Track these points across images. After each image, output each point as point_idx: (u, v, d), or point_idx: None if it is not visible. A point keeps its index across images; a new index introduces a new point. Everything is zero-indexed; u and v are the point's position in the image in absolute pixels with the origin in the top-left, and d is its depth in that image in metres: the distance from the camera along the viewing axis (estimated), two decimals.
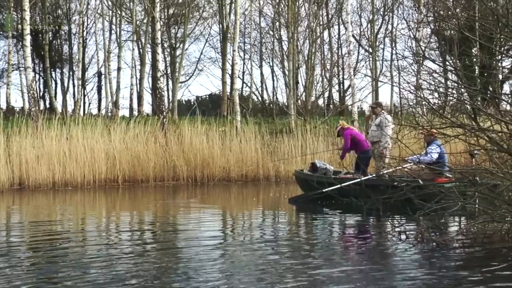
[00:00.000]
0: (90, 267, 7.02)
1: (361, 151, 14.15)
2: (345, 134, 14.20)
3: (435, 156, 11.73)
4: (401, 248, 7.95)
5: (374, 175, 12.87)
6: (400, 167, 12.09)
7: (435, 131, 9.93)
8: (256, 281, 6.27)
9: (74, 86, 36.94)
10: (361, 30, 37.33)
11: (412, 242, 8.21)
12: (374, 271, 6.69)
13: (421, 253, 7.74)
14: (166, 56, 37.31)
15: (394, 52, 33.56)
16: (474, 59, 15.41)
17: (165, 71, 35.85)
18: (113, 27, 34.57)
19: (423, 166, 11.20)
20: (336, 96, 38.85)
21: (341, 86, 38.29)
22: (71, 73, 37.45)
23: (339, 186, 12.49)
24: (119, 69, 31.82)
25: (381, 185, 11.15)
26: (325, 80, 35.68)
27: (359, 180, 12.39)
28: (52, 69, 36.28)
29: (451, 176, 11.11)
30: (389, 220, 9.62)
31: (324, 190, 12.54)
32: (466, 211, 8.80)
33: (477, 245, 7.89)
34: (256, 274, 6.58)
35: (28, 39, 21.19)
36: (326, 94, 36.69)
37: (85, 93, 37.90)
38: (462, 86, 9.32)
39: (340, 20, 36.92)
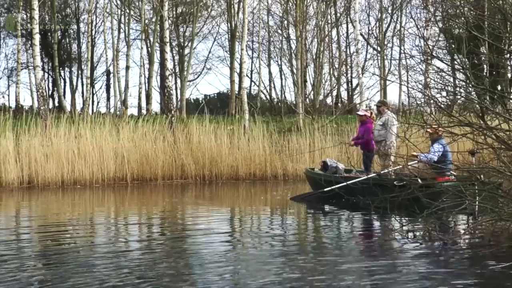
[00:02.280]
0: (96, 262, 7.06)
1: (368, 150, 14.21)
2: (369, 127, 14.18)
3: (437, 155, 11.66)
4: (409, 247, 7.96)
5: (375, 173, 12.94)
6: (401, 166, 12.13)
7: (440, 129, 9.96)
8: (264, 278, 6.30)
9: (82, 84, 37.05)
10: (370, 28, 37.38)
11: (419, 240, 8.22)
12: (381, 270, 6.71)
13: (428, 252, 7.75)
14: (174, 54, 37.42)
15: (402, 50, 33.54)
16: (483, 58, 15.39)
17: (173, 70, 35.93)
18: (122, 26, 34.66)
19: (427, 164, 11.23)
20: (344, 94, 38.90)
21: (349, 85, 38.32)
22: (79, 71, 37.61)
23: (344, 184, 12.50)
24: (127, 68, 31.90)
25: (383, 183, 11.19)
26: (333, 78, 35.76)
27: (361, 178, 12.45)
28: (61, 68, 36.42)
29: (455, 174, 11.14)
30: (397, 219, 9.62)
31: (325, 190, 12.79)
32: (474, 210, 8.81)
33: (485, 243, 7.89)
34: (264, 271, 6.60)
35: (37, 38, 21.28)
36: (334, 93, 36.73)
37: (94, 92, 38.04)
38: (470, 85, 9.32)
39: (349, 19, 36.93)
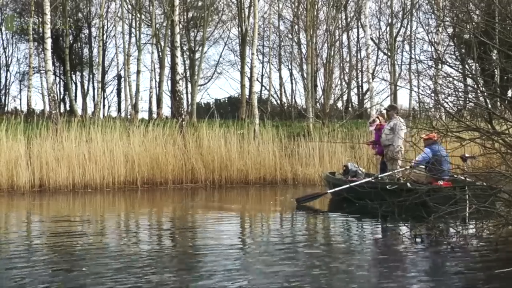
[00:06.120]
0: (106, 263, 7.13)
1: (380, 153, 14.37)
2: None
3: (421, 160, 11.71)
4: (416, 251, 7.99)
5: (373, 177, 13.10)
6: (402, 170, 12.31)
7: (434, 135, 10.12)
8: (271, 280, 6.35)
9: (94, 89, 37.30)
10: (380, 33, 37.36)
11: (426, 244, 8.25)
12: (388, 274, 6.75)
13: (435, 256, 7.78)
14: (185, 59, 37.50)
15: (412, 55, 33.49)
16: (493, 63, 15.35)
17: (184, 74, 36.02)
18: (133, 30, 34.79)
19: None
20: (354, 99, 38.88)
21: (360, 90, 38.33)
22: (91, 76, 37.82)
23: (347, 186, 12.64)
24: (138, 72, 32.02)
25: (377, 187, 11.25)
26: (343, 83, 35.72)
27: (360, 181, 12.56)
28: (72, 72, 36.60)
29: (450, 177, 11.26)
30: (405, 223, 9.65)
31: (328, 192, 13.39)
32: (465, 215, 8.84)
33: (491, 248, 7.91)
34: (272, 276, 6.65)
35: (48, 42, 21.45)
36: (345, 97, 36.74)
37: (105, 96, 38.27)
38: (479, 90, 9.34)
39: (359, 23, 36.92)
